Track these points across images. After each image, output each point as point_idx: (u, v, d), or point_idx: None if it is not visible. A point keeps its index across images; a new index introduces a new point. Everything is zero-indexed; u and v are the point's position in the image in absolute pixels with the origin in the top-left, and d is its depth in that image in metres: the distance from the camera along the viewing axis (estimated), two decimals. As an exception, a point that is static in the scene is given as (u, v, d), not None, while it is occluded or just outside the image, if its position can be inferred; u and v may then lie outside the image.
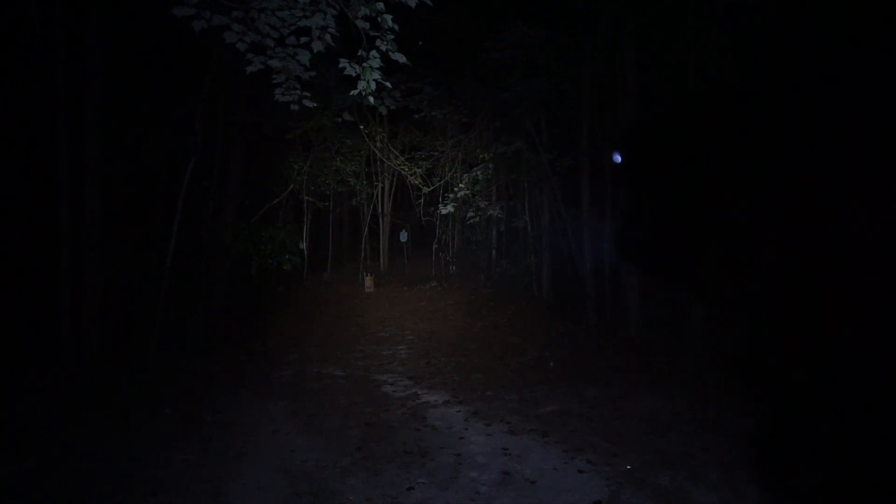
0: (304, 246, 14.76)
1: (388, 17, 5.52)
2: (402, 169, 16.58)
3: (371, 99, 6.21)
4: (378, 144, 16.18)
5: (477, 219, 15.40)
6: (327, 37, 5.53)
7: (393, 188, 19.29)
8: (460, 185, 15.62)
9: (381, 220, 19.21)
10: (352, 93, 6.24)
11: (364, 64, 5.84)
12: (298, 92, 6.12)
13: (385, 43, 5.70)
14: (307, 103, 6.18)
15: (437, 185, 16.90)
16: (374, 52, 5.81)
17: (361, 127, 14.99)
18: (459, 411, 6.18)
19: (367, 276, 16.20)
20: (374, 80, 5.92)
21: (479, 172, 15.27)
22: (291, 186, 15.45)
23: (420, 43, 11.36)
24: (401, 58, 5.80)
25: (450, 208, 15.51)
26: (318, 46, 5.56)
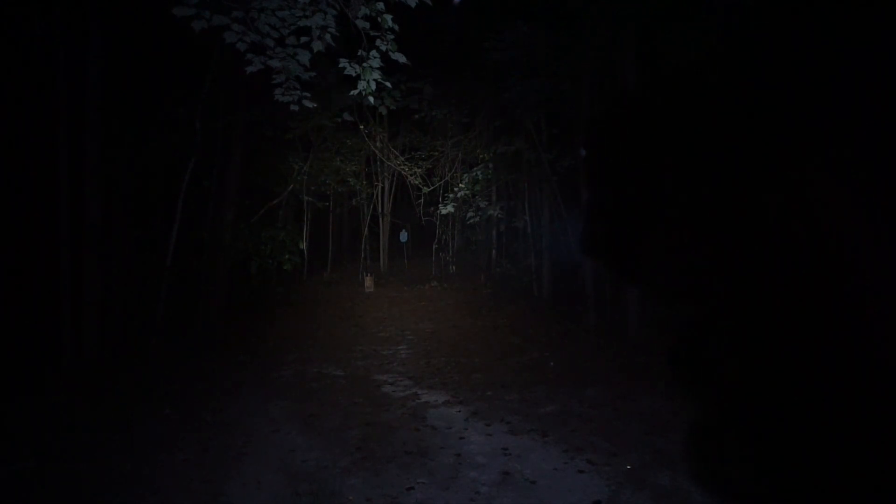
0: (304, 246, 14.74)
1: (388, 17, 5.53)
2: (402, 169, 16.57)
3: (371, 99, 6.22)
4: (378, 144, 16.18)
5: (477, 219, 15.40)
6: (327, 37, 5.53)
7: (393, 188, 19.28)
8: (460, 185, 15.62)
9: (381, 220, 19.21)
10: (352, 93, 6.25)
11: (364, 64, 5.85)
12: (298, 92, 6.13)
13: (385, 43, 5.71)
14: (307, 103, 6.19)
15: (437, 185, 16.90)
16: (374, 52, 5.82)
17: (361, 127, 14.99)
18: (459, 411, 6.18)
19: (367, 276, 16.20)
20: (374, 80, 5.92)
21: (479, 172, 15.28)
22: (291, 186, 15.45)
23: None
24: (401, 58, 5.80)
25: (450, 208, 15.51)
26: (318, 46, 5.57)
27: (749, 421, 0.33)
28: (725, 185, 0.33)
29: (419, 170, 16.64)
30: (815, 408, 0.30)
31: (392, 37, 5.70)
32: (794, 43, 0.32)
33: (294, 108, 6.25)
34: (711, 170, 0.33)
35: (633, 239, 0.37)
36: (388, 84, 6.20)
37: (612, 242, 0.39)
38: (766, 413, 0.32)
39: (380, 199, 19.11)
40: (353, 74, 5.92)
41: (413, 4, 5.56)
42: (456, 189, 15.73)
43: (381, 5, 5.48)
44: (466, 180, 15.46)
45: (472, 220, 15.50)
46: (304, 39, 5.61)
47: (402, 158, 16.83)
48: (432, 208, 17.64)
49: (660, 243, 0.35)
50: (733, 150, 0.32)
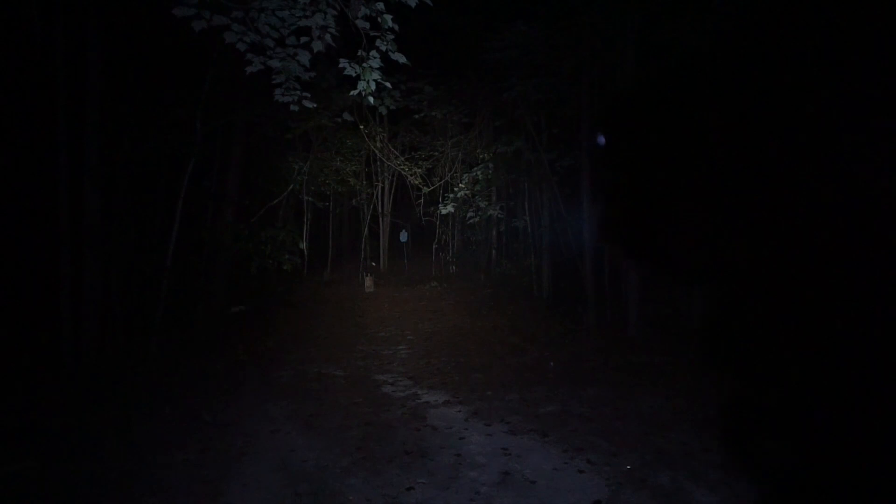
0: (304, 246, 14.76)
1: (388, 17, 5.52)
2: (402, 169, 16.58)
3: (371, 99, 6.21)
4: (378, 144, 16.18)
5: (477, 219, 15.41)
6: (327, 37, 5.53)
7: (393, 188, 19.29)
8: (460, 185, 15.63)
9: (381, 220, 19.22)
10: (352, 93, 6.25)
11: (364, 64, 5.85)
12: (298, 92, 6.13)
13: (385, 43, 5.71)
14: (307, 104, 6.19)
15: (437, 185, 16.90)
16: (374, 52, 5.81)
17: (361, 127, 14.99)
18: (459, 411, 6.18)
19: (367, 276, 16.20)
20: (374, 80, 5.92)
21: (479, 172, 15.28)
22: (291, 186, 15.45)
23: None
24: (401, 58, 5.80)
25: (450, 208, 15.52)
26: (318, 46, 5.57)
27: (776, 398, 0.33)
28: (750, 169, 0.33)
29: (419, 170, 16.65)
30: (841, 387, 0.30)
31: (392, 37, 5.70)
32: (796, 34, 0.32)
33: (294, 108, 6.25)
34: (734, 154, 0.33)
35: (653, 223, 0.37)
36: (388, 84, 6.20)
37: (632, 227, 0.39)
38: (794, 390, 0.32)
39: (380, 199, 19.12)
40: (353, 74, 5.91)
41: (413, 4, 5.56)
42: (456, 189, 15.74)
43: (381, 5, 5.48)
44: (466, 180, 15.46)
45: (472, 220, 15.51)
46: (304, 39, 5.60)
47: (402, 158, 16.83)
48: (432, 208, 17.64)
49: (683, 226, 0.35)
50: (756, 134, 0.32)
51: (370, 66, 5.86)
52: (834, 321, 0.31)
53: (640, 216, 0.38)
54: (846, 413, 0.31)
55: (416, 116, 15.12)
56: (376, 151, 16.42)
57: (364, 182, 18.60)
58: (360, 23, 5.54)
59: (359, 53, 5.84)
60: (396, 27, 5.63)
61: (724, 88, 0.35)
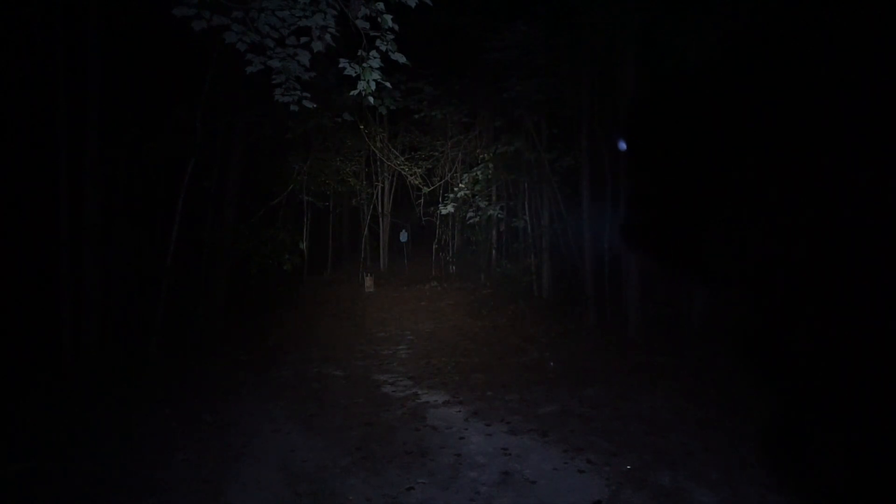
0: (304, 246, 14.75)
1: (388, 17, 5.52)
2: (402, 169, 16.57)
3: (371, 99, 6.20)
4: (378, 144, 16.16)
5: (477, 219, 15.38)
6: (327, 37, 5.53)
7: (393, 188, 19.28)
8: (460, 185, 15.61)
9: (381, 220, 19.20)
10: (352, 93, 6.24)
11: (364, 64, 5.84)
12: (298, 92, 6.12)
13: (385, 43, 5.71)
14: (307, 104, 6.18)
15: (437, 185, 16.89)
16: (374, 52, 5.81)
17: (361, 127, 14.97)
18: (459, 411, 6.18)
19: (367, 276, 16.19)
20: (374, 80, 5.92)
21: (479, 172, 15.26)
22: (291, 186, 15.44)
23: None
24: (401, 58, 5.80)
25: (450, 208, 15.49)
26: (318, 46, 5.56)
27: (821, 407, 0.33)
28: (798, 177, 0.32)
29: (419, 170, 16.64)
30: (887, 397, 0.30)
31: (392, 37, 5.69)
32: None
33: (294, 108, 6.24)
34: (781, 161, 0.33)
35: (688, 229, 0.37)
36: (388, 84, 6.19)
37: (661, 233, 0.38)
38: (840, 400, 0.32)
39: (380, 199, 19.10)
40: (353, 74, 5.90)
41: (413, 4, 5.55)
42: (456, 189, 15.72)
43: (381, 5, 5.47)
44: (466, 180, 15.44)
45: (472, 220, 15.49)
46: (304, 39, 5.60)
47: (402, 158, 16.82)
48: (432, 208, 17.63)
49: (724, 233, 0.35)
50: (803, 140, 0.32)
51: (370, 66, 5.85)
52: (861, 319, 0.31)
53: (676, 223, 0.38)
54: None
55: (416, 116, 15.09)
56: (376, 151, 16.40)
57: (364, 182, 18.59)
58: (360, 23, 5.53)
59: (359, 53, 5.83)
60: (396, 27, 5.63)
61: (735, 99, 0.35)
